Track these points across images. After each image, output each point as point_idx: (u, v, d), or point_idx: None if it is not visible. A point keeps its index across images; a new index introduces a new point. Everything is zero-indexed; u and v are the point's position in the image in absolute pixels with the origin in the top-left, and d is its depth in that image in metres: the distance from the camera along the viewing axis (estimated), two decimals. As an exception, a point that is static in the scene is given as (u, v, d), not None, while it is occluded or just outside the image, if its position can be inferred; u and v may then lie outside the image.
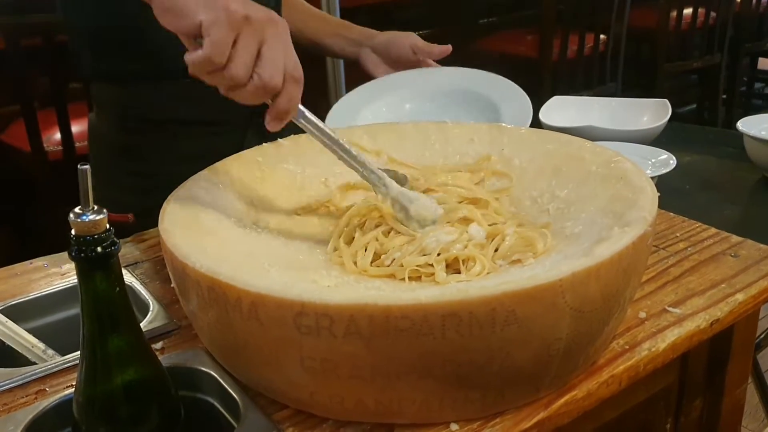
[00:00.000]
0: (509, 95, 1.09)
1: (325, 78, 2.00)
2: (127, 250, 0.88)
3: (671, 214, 0.90)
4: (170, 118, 1.00)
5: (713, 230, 0.86)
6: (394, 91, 1.15)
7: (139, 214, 0.96)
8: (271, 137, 0.84)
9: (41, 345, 0.72)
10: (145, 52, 0.97)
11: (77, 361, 0.57)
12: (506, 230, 0.67)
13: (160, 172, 0.92)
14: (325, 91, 1.15)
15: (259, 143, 0.82)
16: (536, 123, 1.32)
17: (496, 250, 0.66)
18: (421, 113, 1.12)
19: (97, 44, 1.01)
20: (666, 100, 1.38)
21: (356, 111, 1.13)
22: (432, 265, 0.64)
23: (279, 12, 1.09)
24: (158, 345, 0.69)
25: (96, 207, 0.50)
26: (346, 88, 1.93)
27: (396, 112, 1.13)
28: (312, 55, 1.26)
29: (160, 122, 1.01)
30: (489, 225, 0.70)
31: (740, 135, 1.23)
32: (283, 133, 0.85)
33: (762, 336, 1.45)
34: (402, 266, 0.64)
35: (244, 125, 1.05)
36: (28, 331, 0.73)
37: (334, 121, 1.11)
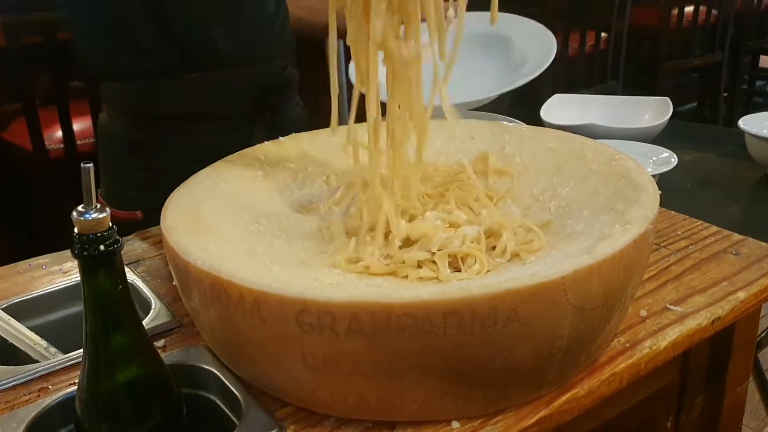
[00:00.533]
0: (529, 33, 1.03)
1: (326, 77, 2.00)
2: (130, 248, 0.88)
3: (672, 212, 0.90)
4: (182, 113, 1.00)
5: (714, 228, 0.86)
6: None
7: (152, 211, 0.98)
8: (276, 135, 0.84)
9: (44, 343, 0.72)
10: (152, 49, 0.98)
11: (80, 359, 0.57)
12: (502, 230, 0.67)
13: (171, 168, 0.93)
14: (328, 90, 1.16)
15: (267, 139, 0.83)
16: (537, 121, 1.32)
17: (493, 248, 0.66)
18: None
19: (103, 44, 1.01)
20: (667, 98, 1.38)
21: None
22: (434, 262, 0.64)
23: (282, 6, 1.10)
24: (160, 342, 0.69)
25: (99, 205, 0.50)
26: (348, 88, 1.92)
27: None
28: (313, 55, 1.26)
29: (171, 118, 1.01)
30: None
31: (741, 133, 1.23)
32: (287, 131, 0.85)
33: (763, 334, 1.45)
34: (404, 263, 0.64)
35: (252, 118, 1.05)
36: (31, 329, 0.74)
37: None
